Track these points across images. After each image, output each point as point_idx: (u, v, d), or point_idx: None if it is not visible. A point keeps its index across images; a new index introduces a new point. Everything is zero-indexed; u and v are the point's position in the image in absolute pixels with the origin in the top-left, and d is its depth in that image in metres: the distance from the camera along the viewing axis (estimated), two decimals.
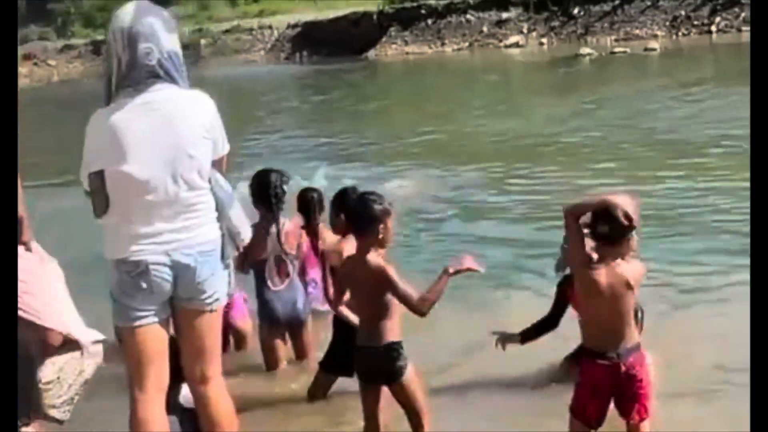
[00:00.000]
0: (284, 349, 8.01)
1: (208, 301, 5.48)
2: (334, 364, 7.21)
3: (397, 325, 6.02)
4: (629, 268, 5.72)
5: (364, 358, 6.12)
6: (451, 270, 5.95)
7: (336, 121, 27.66)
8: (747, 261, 8.60)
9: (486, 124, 23.28)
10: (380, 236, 6.01)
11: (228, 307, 8.34)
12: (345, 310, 6.99)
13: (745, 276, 8.63)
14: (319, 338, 8.02)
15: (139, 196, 5.26)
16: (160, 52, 5.30)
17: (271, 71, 53.19)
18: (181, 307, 5.49)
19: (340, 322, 7.14)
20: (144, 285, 5.31)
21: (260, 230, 7.71)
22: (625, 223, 5.60)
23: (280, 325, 7.92)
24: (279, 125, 27.92)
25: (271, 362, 7.97)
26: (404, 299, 5.92)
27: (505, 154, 18.85)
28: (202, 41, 64.88)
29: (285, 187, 7.86)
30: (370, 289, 6.02)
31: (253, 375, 7.98)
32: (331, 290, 7.15)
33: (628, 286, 5.69)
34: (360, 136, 23.50)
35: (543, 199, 14.43)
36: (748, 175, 13.44)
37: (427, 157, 19.43)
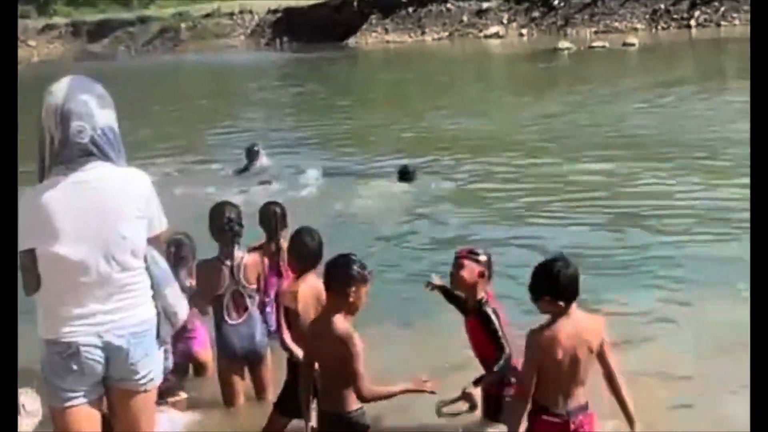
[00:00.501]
0: (242, 384, 7.96)
1: (141, 381, 5.35)
2: (288, 406, 7.15)
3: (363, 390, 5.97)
4: (591, 328, 5.74)
5: (328, 424, 6.06)
6: (412, 386, 5.93)
7: (311, 115, 27.69)
8: None
9: (458, 123, 23.27)
10: (351, 300, 5.94)
11: (190, 336, 8.36)
12: (297, 351, 6.97)
13: None
14: (279, 375, 7.97)
15: (70, 277, 5.15)
16: (93, 129, 5.18)
17: (249, 58, 53.04)
18: (114, 387, 5.37)
19: (294, 363, 7.11)
20: (75, 367, 5.19)
21: (217, 264, 7.68)
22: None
23: (238, 359, 7.87)
24: (254, 118, 27.92)
25: (229, 397, 7.92)
26: (355, 377, 5.85)
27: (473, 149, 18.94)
28: (182, 25, 64.63)
29: (237, 219, 7.80)
30: (333, 355, 5.95)
31: (211, 411, 7.93)
32: (284, 330, 7.12)
33: (590, 349, 5.71)
34: (332, 133, 23.58)
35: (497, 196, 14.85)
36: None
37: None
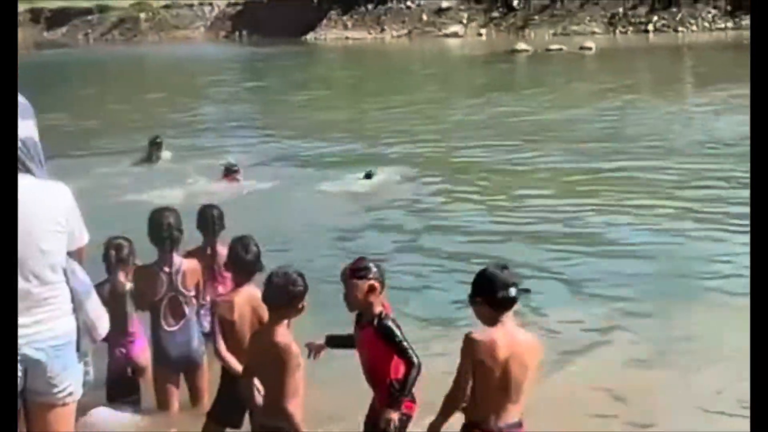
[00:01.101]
0: (177, 391, 7.93)
1: (59, 395, 5.25)
2: (222, 415, 7.12)
3: (300, 404, 5.97)
4: (527, 346, 5.74)
5: None
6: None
7: (265, 113, 27.69)
8: None
9: (406, 128, 22.94)
10: (292, 312, 5.95)
11: (130, 341, 8.30)
12: (232, 361, 6.95)
13: None
14: (216, 382, 7.93)
15: None
16: None
17: (208, 50, 52.93)
18: (32, 401, 5.26)
19: (228, 372, 7.10)
20: None
21: (155, 270, 7.64)
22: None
23: (173, 366, 7.82)
24: (208, 115, 27.85)
25: (163, 403, 7.85)
26: (286, 388, 5.87)
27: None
28: (142, 15, 64.29)
29: (176, 225, 7.74)
30: (274, 367, 5.93)
31: (147, 416, 7.88)
32: (219, 340, 7.09)
33: (524, 366, 5.72)
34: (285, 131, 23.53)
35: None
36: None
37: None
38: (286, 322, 5.98)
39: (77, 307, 5.31)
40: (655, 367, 8.59)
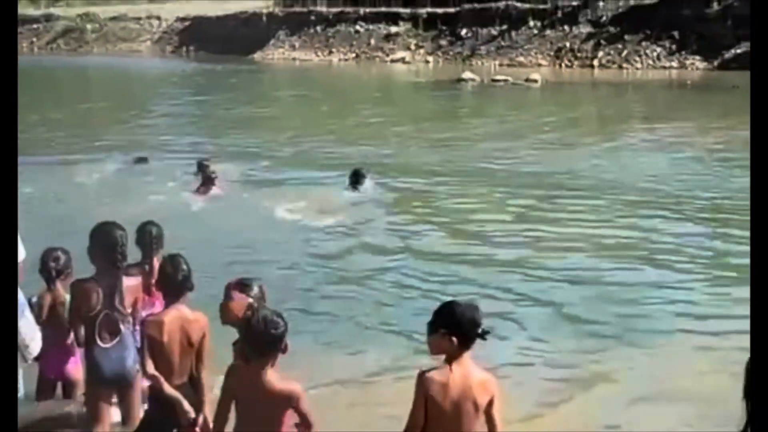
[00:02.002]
0: (110, 408, 7.84)
1: None
2: None
3: None
4: (481, 384, 5.76)
5: None
6: None
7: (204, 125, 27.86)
8: None
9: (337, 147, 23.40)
10: (283, 347, 5.92)
11: (64, 354, 8.21)
12: (159, 380, 6.92)
13: None
14: None
15: None
16: None
17: (153, 64, 52.79)
18: None
19: (155, 392, 7.05)
20: None
21: (94, 286, 7.55)
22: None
23: (106, 383, 7.73)
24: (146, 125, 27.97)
25: (95, 421, 7.79)
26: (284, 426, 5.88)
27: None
28: (88, 26, 63.82)
29: (117, 242, 7.65)
30: (268, 410, 5.89)
31: None
32: (147, 359, 7.05)
33: (475, 406, 5.73)
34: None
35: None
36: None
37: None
38: (271, 365, 5.96)
39: None
40: None
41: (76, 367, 8.43)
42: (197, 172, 17.92)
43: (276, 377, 5.90)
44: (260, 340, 5.90)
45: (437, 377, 5.72)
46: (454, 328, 5.69)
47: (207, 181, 17.37)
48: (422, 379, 5.75)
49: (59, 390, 8.39)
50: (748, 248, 12.85)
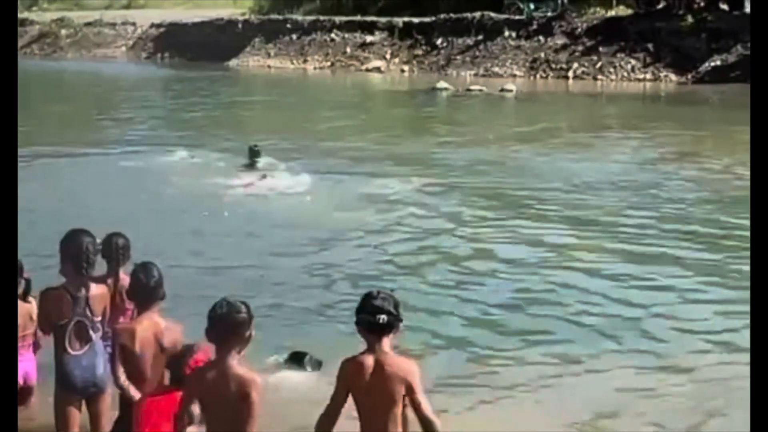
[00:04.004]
0: (78, 417, 7.79)
1: None
2: None
3: None
4: (399, 370, 5.95)
5: None
6: None
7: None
8: None
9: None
10: (247, 336, 5.93)
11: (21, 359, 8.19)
12: (131, 389, 6.90)
13: None
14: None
15: None
16: None
17: (127, 69, 52.78)
18: None
19: (127, 401, 7.03)
20: None
21: (63, 293, 7.52)
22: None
23: (76, 391, 7.69)
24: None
25: (62, 429, 7.76)
26: (251, 422, 5.85)
27: None
28: (63, 31, 63.58)
29: (87, 250, 7.60)
30: (233, 400, 5.86)
31: None
32: (118, 367, 7.04)
33: (394, 390, 5.98)
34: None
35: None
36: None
37: None
38: (236, 353, 5.96)
39: None
40: None
41: (29, 377, 8.46)
42: (249, 159, 20.30)
43: (239, 365, 5.92)
44: (222, 325, 5.92)
45: (352, 362, 6.07)
46: (359, 315, 6.07)
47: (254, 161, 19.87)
48: (341, 365, 6.13)
49: None
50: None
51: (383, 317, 6.01)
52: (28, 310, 8.23)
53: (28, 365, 8.33)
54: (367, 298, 6.12)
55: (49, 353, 7.84)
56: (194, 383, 6.15)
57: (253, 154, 20.58)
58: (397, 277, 13.43)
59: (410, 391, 5.99)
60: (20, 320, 8.02)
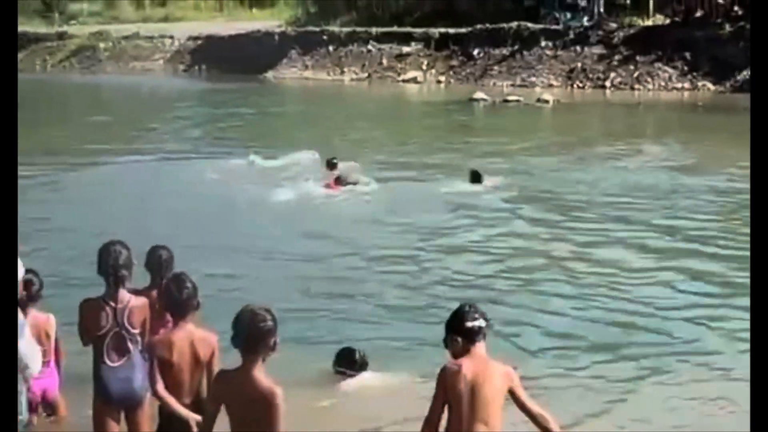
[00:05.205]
0: (117, 428, 7.82)
1: None
2: None
3: None
4: (496, 373, 6.49)
5: None
6: None
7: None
8: None
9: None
10: (272, 344, 5.94)
11: (41, 377, 8.20)
12: (170, 400, 6.92)
13: None
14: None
15: None
16: None
17: (165, 83, 53.10)
18: None
19: (166, 412, 7.06)
20: None
21: (101, 304, 7.56)
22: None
23: (114, 402, 7.73)
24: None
25: None
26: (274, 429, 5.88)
27: None
28: (101, 45, 63.90)
29: (124, 261, 7.60)
30: (258, 408, 5.88)
31: None
32: (156, 378, 7.06)
33: (494, 390, 6.47)
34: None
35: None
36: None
37: None
38: (260, 362, 5.97)
39: None
40: None
41: (53, 388, 8.50)
42: (328, 168, 21.40)
43: (263, 375, 5.93)
44: (248, 334, 5.93)
45: (452, 367, 6.37)
46: (457, 327, 6.46)
47: (338, 177, 20.67)
48: (441, 371, 6.42)
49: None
50: None
51: (478, 324, 6.44)
52: (43, 324, 8.25)
53: (47, 381, 8.35)
54: (459, 309, 6.54)
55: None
56: (219, 388, 6.19)
57: (331, 165, 21.75)
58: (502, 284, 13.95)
59: (513, 391, 6.44)
60: (35, 333, 8.02)
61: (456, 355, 6.42)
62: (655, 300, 13.03)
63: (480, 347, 6.43)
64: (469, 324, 6.38)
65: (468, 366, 6.30)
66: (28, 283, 7.84)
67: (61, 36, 66.45)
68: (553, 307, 12.75)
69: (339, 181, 20.65)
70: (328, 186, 20.67)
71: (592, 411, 9.31)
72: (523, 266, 14.93)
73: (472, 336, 6.39)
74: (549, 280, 14.12)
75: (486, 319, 6.49)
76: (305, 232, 17.33)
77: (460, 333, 6.40)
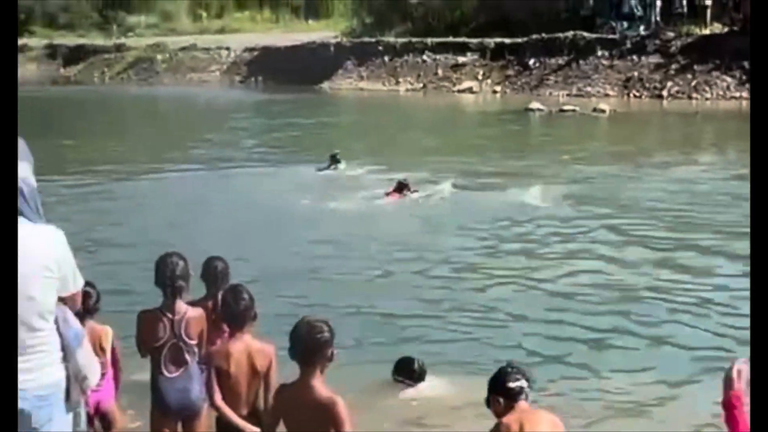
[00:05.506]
0: None
1: None
2: None
3: None
4: (540, 423, 6.48)
5: None
6: None
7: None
8: None
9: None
10: (329, 355, 5.95)
11: (96, 389, 8.24)
12: (227, 411, 6.93)
13: None
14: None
15: None
16: None
17: (222, 94, 53.45)
18: None
19: (222, 422, 7.08)
20: None
21: (159, 316, 7.60)
22: None
23: (171, 413, 7.76)
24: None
25: None
26: None
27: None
28: (158, 57, 64.38)
29: (181, 272, 7.63)
30: (315, 420, 5.88)
31: None
32: (214, 389, 7.08)
33: None
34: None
35: None
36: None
37: None
38: (318, 373, 5.98)
39: (68, 355, 5.21)
40: None
41: (110, 401, 8.54)
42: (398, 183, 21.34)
43: (322, 385, 5.92)
44: (305, 344, 5.93)
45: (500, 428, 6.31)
46: (500, 387, 6.45)
47: (402, 186, 20.94)
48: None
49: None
50: None
51: (519, 385, 6.42)
52: (99, 336, 8.26)
53: (101, 393, 8.41)
54: (501, 370, 6.55)
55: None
56: (280, 402, 6.19)
57: (402, 186, 21.44)
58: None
59: None
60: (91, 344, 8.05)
61: (498, 415, 6.38)
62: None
63: (522, 404, 6.43)
64: (511, 384, 6.40)
65: (515, 419, 6.31)
66: (85, 295, 7.87)
67: (119, 48, 67.03)
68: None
69: (400, 189, 20.77)
70: (389, 194, 20.89)
71: None
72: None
73: (513, 396, 6.40)
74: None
75: (528, 379, 6.49)
76: (372, 238, 17.70)
77: (501, 393, 6.42)
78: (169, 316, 7.60)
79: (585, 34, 50.28)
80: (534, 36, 51.17)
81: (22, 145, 5.17)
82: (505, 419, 6.26)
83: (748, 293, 12.83)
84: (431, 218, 19.26)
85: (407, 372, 10.20)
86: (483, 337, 12.09)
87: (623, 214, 19.52)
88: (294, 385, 6.05)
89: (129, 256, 15.55)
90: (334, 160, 23.87)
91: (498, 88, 50.56)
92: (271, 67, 58.87)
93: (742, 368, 4.93)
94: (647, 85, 46.89)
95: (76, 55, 68.09)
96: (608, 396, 10.09)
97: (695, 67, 46.24)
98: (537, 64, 50.77)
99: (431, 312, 13.12)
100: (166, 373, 7.67)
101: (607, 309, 13.12)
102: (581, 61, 49.53)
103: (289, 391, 6.09)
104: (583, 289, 14.12)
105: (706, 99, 44.45)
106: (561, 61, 50.17)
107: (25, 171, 5.14)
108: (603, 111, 40.02)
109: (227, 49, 64.03)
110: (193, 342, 7.71)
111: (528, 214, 19.36)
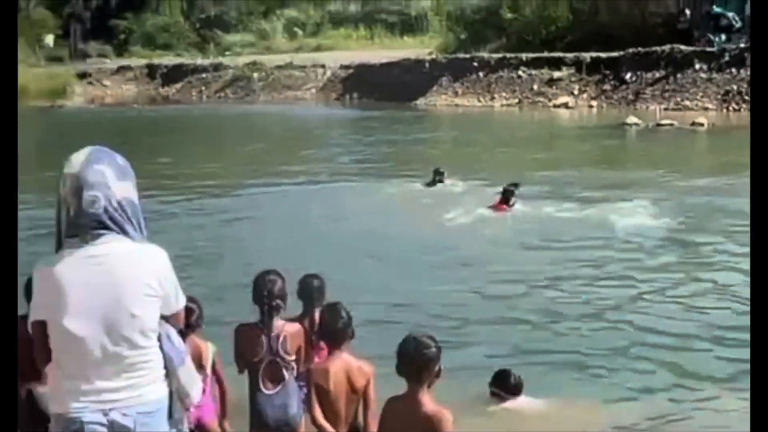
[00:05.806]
0: None
1: None
2: None
3: None
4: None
5: None
6: None
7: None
8: None
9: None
10: (437, 370, 5.98)
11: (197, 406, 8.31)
12: (328, 428, 6.96)
13: None
14: None
15: (77, 353, 5.06)
16: (108, 200, 5.09)
17: (320, 112, 53.80)
18: None
19: None
20: None
21: (257, 331, 7.67)
22: None
23: (269, 429, 7.82)
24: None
25: None
26: None
27: None
28: (255, 75, 65.00)
29: (279, 291, 7.70)
30: None
31: None
32: (315, 407, 7.11)
33: None
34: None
35: None
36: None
37: None
38: (426, 389, 6.01)
39: (170, 372, 5.30)
40: None
41: (211, 418, 8.59)
42: (503, 193, 21.23)
43: (429, 401, 5.94)
44: (412, 360, 5.94)
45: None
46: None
47: (509, 196, 20.90)
48: None
49: None
50: None
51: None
52: (199, 353, 8.29)
53: (201, 411, 8.48)
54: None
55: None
56: (388, 415, 6.21)
57: (508, 193, 21.39)
58: None
59: None
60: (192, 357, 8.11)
61: None
62: None
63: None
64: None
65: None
66: (188, 311, 7.95)
67: (216, 67, 67.80)
68: None
69: (506, 201, 20.78)
70: (494, 207, 20.89)
71: None
72: None
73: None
74: None
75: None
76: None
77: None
78: (267, 333, 7.67)
79: (682, 47, 49.73)
80: (630, 50, 50.73)
81: (124, 163, 5.30)
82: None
83: None
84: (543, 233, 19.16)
85: (503, 385, 10.15)
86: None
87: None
88: (402, 399, 6.07)
89: (226, 272, 15.69)
90: (438, 173, 24.14)
91: (594, 103, 50.22)
92: (367, 84, 59.16)
93: None
94: (747, 98, 46.19)
95: (174, 74, 68.98)
96: None
97: None
98: (633, 78, 50.34)
99: None
100: (264, 389, 7.73)
101: None
102: (678, 75, 48.99)
103: (397, 405, 6.11)
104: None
105: None
106: (658, 74, 49.68)
107: (128, 190, 5.24)
108: (701, 125, 39.51)
109: (323, 66, 64.43)
110: (291, 358, 7.77)
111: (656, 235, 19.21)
